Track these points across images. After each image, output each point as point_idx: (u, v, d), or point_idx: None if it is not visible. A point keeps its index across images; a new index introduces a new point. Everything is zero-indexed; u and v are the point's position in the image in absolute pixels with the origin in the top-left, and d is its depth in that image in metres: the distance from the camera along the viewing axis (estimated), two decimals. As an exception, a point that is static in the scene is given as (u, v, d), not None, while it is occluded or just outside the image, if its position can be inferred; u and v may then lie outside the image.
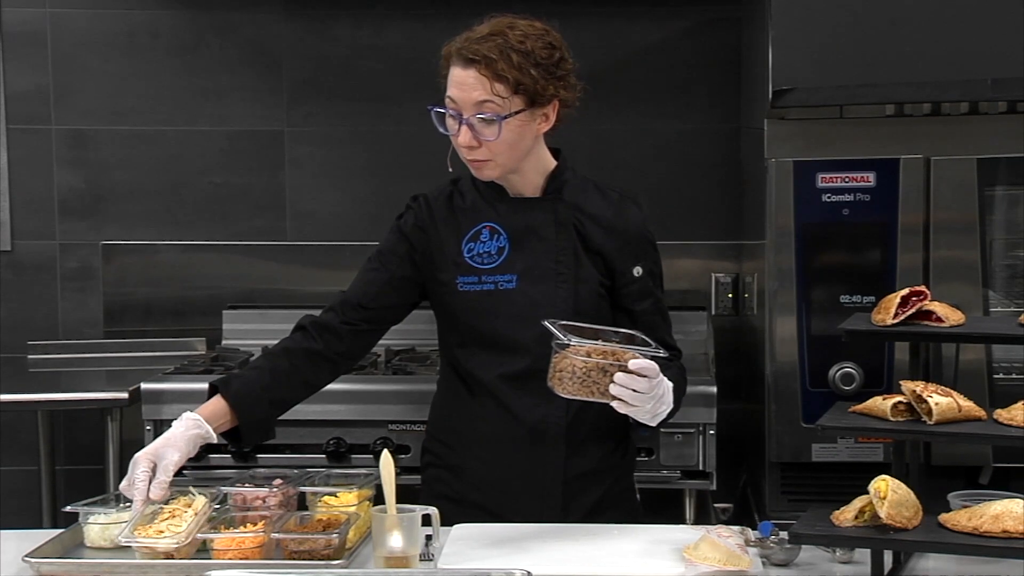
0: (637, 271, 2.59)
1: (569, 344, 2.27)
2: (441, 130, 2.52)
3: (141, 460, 2.37)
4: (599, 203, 2.60)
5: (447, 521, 2.50)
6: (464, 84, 2.46)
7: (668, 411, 2.42)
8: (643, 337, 2.36)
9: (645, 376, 2.28)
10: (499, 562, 2.24)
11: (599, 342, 2.30)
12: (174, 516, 2.33)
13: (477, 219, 2.60)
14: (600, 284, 2.58)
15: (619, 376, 2.26)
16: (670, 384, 2.41)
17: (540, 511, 2.54)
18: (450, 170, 2.60)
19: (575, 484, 2.58)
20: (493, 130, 2.46)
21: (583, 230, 2.58)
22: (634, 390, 2.27)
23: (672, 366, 2.50)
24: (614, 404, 2.30)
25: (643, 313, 2.59)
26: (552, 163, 2.61)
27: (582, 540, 2.38)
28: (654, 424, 2.43)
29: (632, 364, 2.27)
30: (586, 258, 2.57)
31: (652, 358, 2.31)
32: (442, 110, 2.52)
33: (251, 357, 3.73)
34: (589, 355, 2.26)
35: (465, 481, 2.62)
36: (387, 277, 2.64)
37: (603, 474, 2.61)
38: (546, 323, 2.31)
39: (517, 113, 2.46)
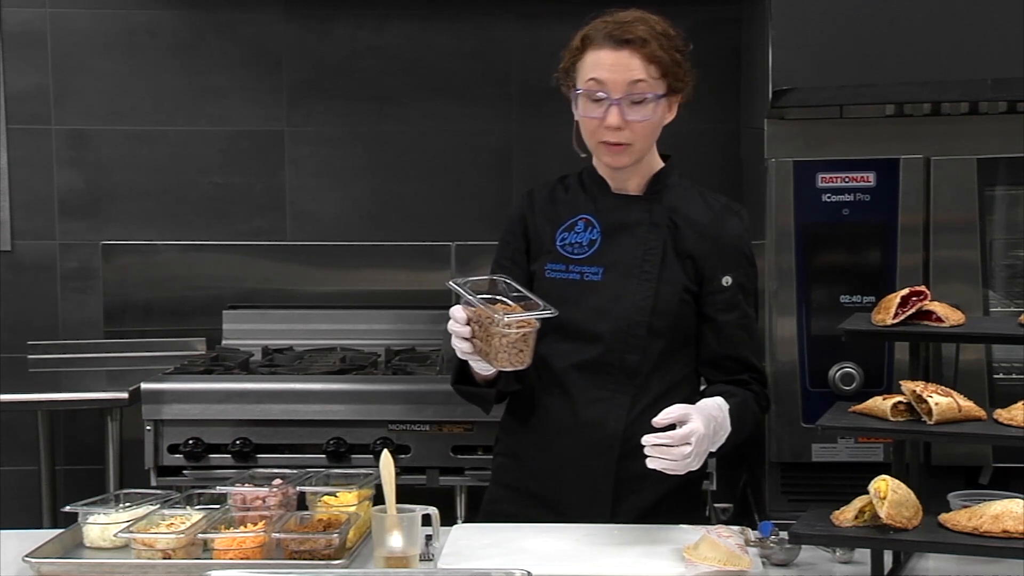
0: (726, 280, 2.58)
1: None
2: (579, 114, 2.53)
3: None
4: (699, 209, 2.61)
5: (503, 508, 2.56)
6: (617, 65, 2.49)
7: (723, 439, 2.45)
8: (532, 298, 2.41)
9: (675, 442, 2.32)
10: (499, 562, 2.24)
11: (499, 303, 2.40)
12: (172, 526, 2.34)
13: (575, 210, 2.63)
14: (685, 289, 2.57)
15: (650, 447, 2.32)
16: (725, 413, 2.44)
17: (591, 507, 2.55)
18: (582, 156, 2.62)
19: (628, 485, 2.56)
20: (644, 111, 2.50)
21: (677, 233, 2.59)
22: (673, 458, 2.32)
23: (735, 392, 2.53)
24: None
25: (727, 325, 2.58)
26: (659, 164, 2.64)
27: (582, 540, 2.38)
28: (714, 450, 2.46)
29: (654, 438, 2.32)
30: (675, 261, 2.58)
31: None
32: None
33: (251, 357, 3.73)
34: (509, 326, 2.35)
35: (524, 469, 2.63)
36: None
37: (659, 479, 2.53)
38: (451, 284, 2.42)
39: (664, 96, 2.51)
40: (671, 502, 2.59)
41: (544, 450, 2.59)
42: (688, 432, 2.32)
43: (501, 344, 2.35)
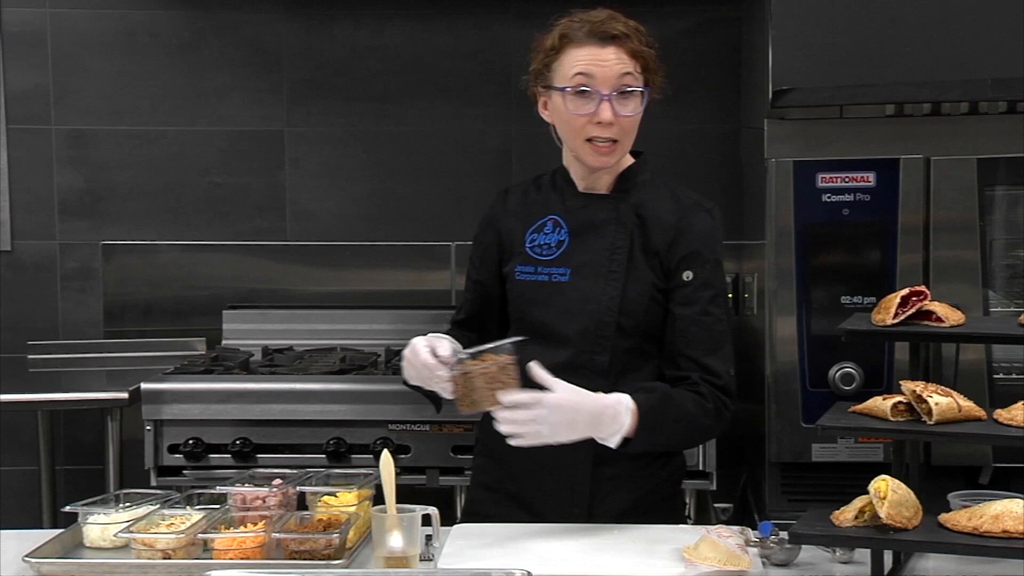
0: (687, 275, 2.54)
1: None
2: (571, 112, 2.51)
3: (420, 345, 2.43)
4: (667, 205, 2.59)
5: (484, 509, 2.55)
6: (605, 60, 2.49)
7: (620, 434, 2.38)
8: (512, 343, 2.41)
9: (522, 407, 2.32)
10: (499, 562, 2.24)
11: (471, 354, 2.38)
12: (172, 526, 2.34)
13: (545, 211, 2.63)
14: (655, 287, 2.55)
15: (500, 414, 2.33)
16: (624, 405, 2.38)
17: (568, 508, 2.55)
18: (559, 146, 2.64)
19: (605, 486, 2.56)
20: (632, 104, 2.51)
21: (644, 230, 2.57)
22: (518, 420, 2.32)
23: (665, 392, 2.48)
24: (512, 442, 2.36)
25: (682, 319, 2.53)
26: (628, 161, 2.63)
27: (582, 540, 2.38)
28: (614, 446, 2.40)
29: (505, 400, 2.32)
30: (643, 259, 2.56)
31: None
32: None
33: (251, 357, 3.73)
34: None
35: (504, 470, 2.63)
36: (490, 293, 2.68)
37: (636, 481, 2.57)
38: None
39: (647, 90, 2.52)
40: (648, 504, 2.58)
41: (522, 453, 2.57)
42: (535, 399, 2.32)
43: (482, 383, 2.34)
